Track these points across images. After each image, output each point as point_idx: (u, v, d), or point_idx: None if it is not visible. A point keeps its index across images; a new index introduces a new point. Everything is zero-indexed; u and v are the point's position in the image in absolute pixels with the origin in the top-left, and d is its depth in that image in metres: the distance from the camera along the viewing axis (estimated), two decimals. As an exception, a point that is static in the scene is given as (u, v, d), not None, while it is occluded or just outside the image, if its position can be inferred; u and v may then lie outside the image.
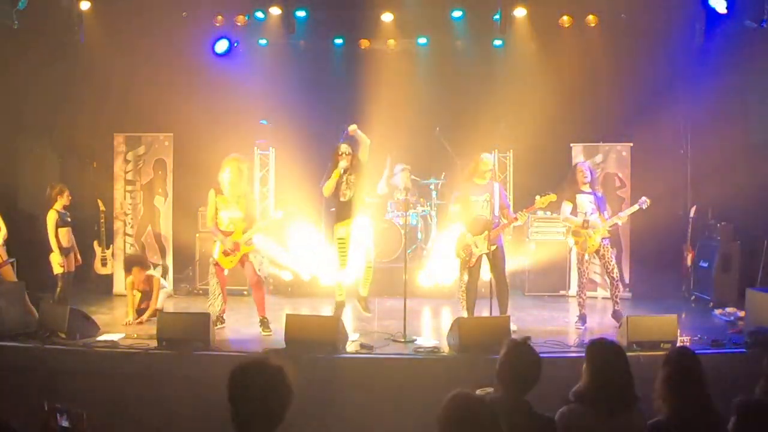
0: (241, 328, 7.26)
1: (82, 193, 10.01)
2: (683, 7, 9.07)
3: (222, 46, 9.72)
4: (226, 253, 7.06)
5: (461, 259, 7.08)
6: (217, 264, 7.16)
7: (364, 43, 10.24)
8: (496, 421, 2.54)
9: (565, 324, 7.63)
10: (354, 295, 7.42)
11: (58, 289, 7.64)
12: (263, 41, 10.17)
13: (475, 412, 2.53)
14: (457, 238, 7.11)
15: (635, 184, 9.20)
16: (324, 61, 10.59)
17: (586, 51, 9.76)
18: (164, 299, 7.88)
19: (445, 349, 6.24)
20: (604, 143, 9.44)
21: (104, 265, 9.04)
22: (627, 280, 9.07)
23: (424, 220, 9.93)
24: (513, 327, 6.58)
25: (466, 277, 7.08)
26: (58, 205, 7.67)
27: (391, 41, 10.17)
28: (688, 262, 9.10)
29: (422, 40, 10.31)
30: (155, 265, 8.86)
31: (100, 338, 6.50)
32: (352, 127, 7.14)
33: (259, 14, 9.63)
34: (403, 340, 6.55)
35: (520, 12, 9.29)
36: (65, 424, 2.60)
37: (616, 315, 7.21)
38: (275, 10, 9.46)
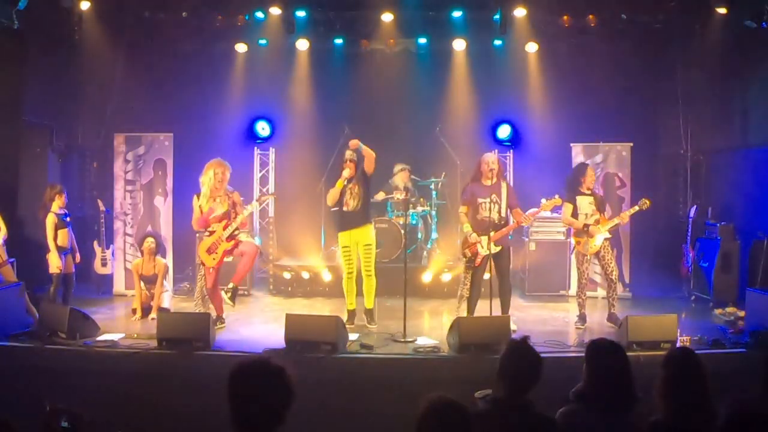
0: (241, 328, 7.26)
1: (82, 193, 10.06)
2: (683, 7, 9.07)
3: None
4: (209, 251, 7.10)
5: (466, 259, 7.09)
6: (203, 263, 7.21)
7: (364, 43, 10.23)
8: (469, 427, 2.55)
9: (565, 324, 7.63)
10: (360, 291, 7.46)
11: (52, 288, 7.64)
12: (263, 41, 10.17)
13: (451, 416, 2.54)
14: (463, 239, 7.11)
15: (635, 184, 9.21)
16: (324, 61, 10.59)
17: (586, 51, 9.76)
18: (169, 300, 7.98)
19: (445, 349, 6.24)
20: (604, 143, 9.45)
21: (104, 265, 9.05)
22: (627, 280, 9.07)
23: (424, 220, 9.93)
24: (513, 327, 6.59)
25: (469, 277, 7.08)
26: (56, 206, 7.67)
27: (391, 41, 10.17)
28: (688, 262, 9.11)
29: (422, 40, 10.30)
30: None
31: (100, 338, 6.50)
32: (354, 143, 7.15)
33: (259, 14, 9.63)
34: (403, 340, 6.56)
35: (520, 12, 9.29)
36: (65, 424, 2.60)
37: (611, 318, 7.23)
38: (275, 10, 9.45)
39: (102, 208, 8.98)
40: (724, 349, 6.20)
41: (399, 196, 9.41)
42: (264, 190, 10.10)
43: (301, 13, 9.48)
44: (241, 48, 10.21)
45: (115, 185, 9.34)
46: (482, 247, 6.92)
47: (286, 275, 9.32)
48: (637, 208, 7.27)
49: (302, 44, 10.25)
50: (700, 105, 9.82)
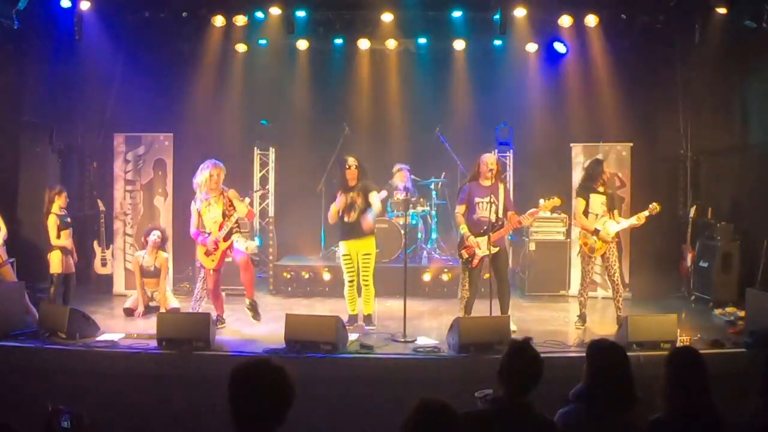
0: (242, 328, 7.26)
1: (82, 193, 10.06)
2: (683, 7, 9.06)
3: None
4: (207, 253, 7.09)
5: (463, 260, 7.08)
6: (202, 266, 7.20)
7: (364, 43, 10.24)
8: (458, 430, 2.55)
9: (565, 324, 7.63)
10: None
11: (53, 288, 7.65)
12: (263, 41, 10.16)
13: (439, 419, 2.53)
14: (460, 239, 7.10)
15: (635, 184, 9.21)
16: (324, 61, 10.59)
17: (586, 51, 9.76)
18: (175, 300, 8.05)
19: (445, 349, 6.23)
20: (604, 143, 9.45)
21: (104, 265, 9.05)
22: (627, 280, 9.05)
23: (424, 220, 9.93)
24: (513, 327, 6.58)
25: (467, 278, 7.07)
26: (56, 207, 7.68)
27: (391, 41, 10.17)
28: (688, 262, 9.11)
29: (422, 40, 10.30)
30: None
31: (100, 338, 6.49)
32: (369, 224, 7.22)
33: (259, 14, 9.62)
34: (403, 340, 6.56)
35: (520, 12, 9.28)
36: (66, 425, 2.60)
37: (619, 321, 7.18)
38: (275, 10, 9.45)
39: (102, 208, 8.98)
40: (724, 349, 6.20)
41: (399, 196, 9.41)
42: (264, 190, 10.09)
43: (301, 13, 9.47)
44: (241, 48, 10.21)
45: (115, 185, 9.34)
46: (479, 248, 6.91)
47: (286, 275, 9.32)
48: (647, 213, 7.20)
49: (302, 44, 10.24)
50: (700, 105, 9.82)
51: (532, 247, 9.41)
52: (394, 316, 7.41)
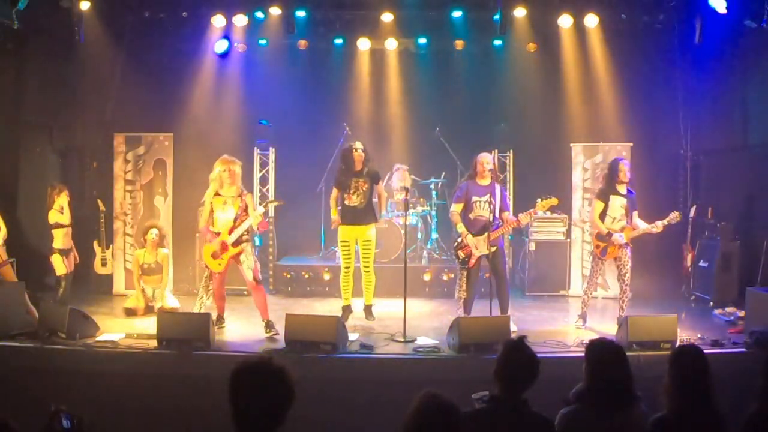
0: (242, 328, 7.26)
1: (82, 193, 10.05)
2: (683, 7, 9.06)
3: (221, 46, 9.70)
4: (214, 256, 6.94)
5: (459, 261, 7.07)
6: (207, 267, 7.11)
7: (364, 43, 10.23)
8: (459, 426, 2.55)
9: (565, 324, 7.63)
10: (360, 293, 7.46)
11: (61, 290, 7.67)
12: (263, 41, 10.16)
13: (440, 416, 2.54)
14: (458, 239, 7.09)
15: (635, 184, 9.18)
16: (324, 61, 10.58)
17: (586, 51, 9.76)
18: (174, 300, 8.06)
19: (445, 349, 6.24)
20: (604, 143, 9.44)
21: (104, 265, 9.05)
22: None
23: (424, 220, 9.93)
24: (513, 327, 6.58)
25: (464, 279, 7.07)
26: (57, 206, 7.68)
27: (391, 41, 10.17)
28: (688, 262, 9.11)
29: (422, 40, 10.30)
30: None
31: (100, 338, 6.50)
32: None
33: (259, 14, 9.62)
34: (403, 340, 6.56)
35: (520, 12, 9.29)
36: (67, 425, 2.60)
37: (619, 321, 7.17)
38: (275, 10, 9.45)
39: (102, 208, 8.98)
40: (724, 349, 6.21)
41: (399, 196, 9.41)
42: (264, 190, 10.09)
43: (301, 13, 9.48)
44: (241, 48, 10.21)
45: (115, 185, 9.34)
46: (476, 248, 6.90)
47: (286, 275, 9.32)
48: (666, 221, 7.17)
49: (302, 44, 10.24)
50: (700, 105, 9.81)
51: (532, 247, 9.41)
52: (394, 316, 7.40)
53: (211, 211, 6.99)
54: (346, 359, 6.04)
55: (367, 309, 7.32)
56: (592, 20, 9.33)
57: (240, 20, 9.57)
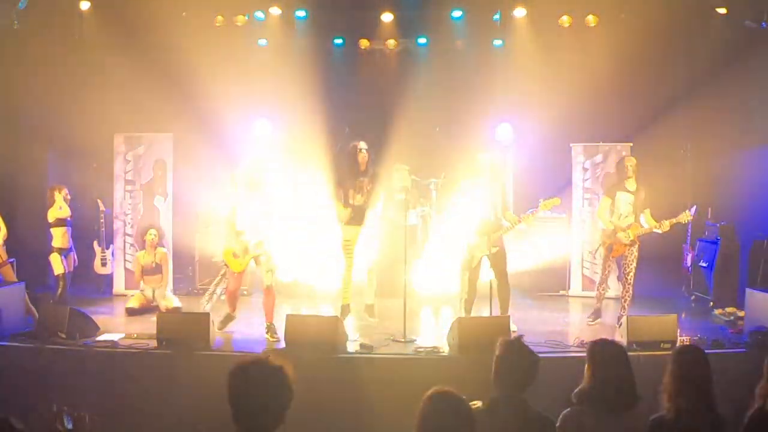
0: (242, 328, 7.25)
1: (82, 193, 10.05)
2: (683, 7, 9.06)
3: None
4: (235, 255, 6.85)
5: (462, 260, 7.07)
6: (226, 265, 7.03)
7: (364, 43, 10.23)
8: (472, 422, 2.54)
9: (565, 324, 7.63)
10: (360, 293, 7.44)
11: (60, 290, 7.67)
12: (263, 41, 10.16)
13: (454, 410, 2.54)
14: (458, 239, 7.10)
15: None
16: (324, 61, 10.58)
17: (586, 51, 9.76)
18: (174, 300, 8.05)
19: (445, 349, 6.23)
20: (604, 143, 9.44)
21: (104, 265, 9.05)
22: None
23: (424, 220, 9.92)
24: (513, 327, 6.57)
25: (466, 279, 7.07)
26: (56, 204, 7.69)
27: (391, 41, 10.16)
28: (688, 262, 9.11)
29: (422, 40, 10.30)
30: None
31: (100, 338, 6.50)
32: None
33: (259, 14, 9.62)
34: (403, 340, 6.55)
35: (520, 12, 9.30)
36: (69, 425, 2.60)
37: (620, 321, 7.18)
38: (275, 10, 9.46)
39: (102, 208, 8.98)
40: (724, 349, 6.20)
41: (399, 196, 9.39)
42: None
43: (301, 13, 9.49)
44: (241, 48, 10.20)
45: (115, 185, 9.34)
46: (478, 248, 6.90)
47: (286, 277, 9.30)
48: (674, 220, 7.16)
49: (302, 44, 10.24)
50: (700, 105, 9.81)
51: (532, 247, 9.39)
52: (394, 316, 7.40)
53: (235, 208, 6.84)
54: (346, 359, 6.04)
55: (369, 308, 7.31)
56: (592, 20, 9.33)
57: (240, 20, 9.58)
